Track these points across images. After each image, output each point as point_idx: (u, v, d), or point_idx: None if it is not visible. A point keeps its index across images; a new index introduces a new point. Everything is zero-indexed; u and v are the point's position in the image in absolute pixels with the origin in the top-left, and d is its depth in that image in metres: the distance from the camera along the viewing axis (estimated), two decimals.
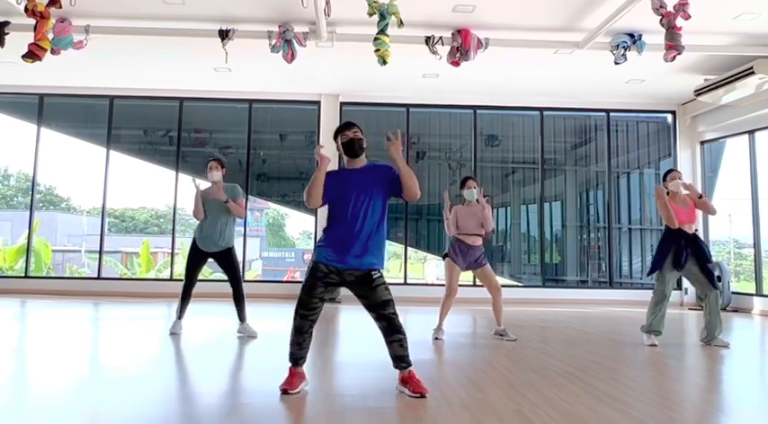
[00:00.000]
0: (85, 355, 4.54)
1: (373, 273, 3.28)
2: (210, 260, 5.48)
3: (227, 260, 5.39)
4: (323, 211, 9.45)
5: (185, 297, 5.42)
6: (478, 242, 5.39)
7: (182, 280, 5.47)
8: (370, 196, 3.29)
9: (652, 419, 2.88)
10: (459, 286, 5.59)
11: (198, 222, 5.41)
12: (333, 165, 9.84)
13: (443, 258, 5.68)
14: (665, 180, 5.50)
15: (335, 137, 3.42)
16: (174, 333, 5.35)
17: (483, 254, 5.44)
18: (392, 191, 3.35)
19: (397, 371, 3.35)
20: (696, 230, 5.37)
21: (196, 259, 5.41)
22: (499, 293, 5.43)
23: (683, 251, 5.20)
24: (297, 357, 3.34)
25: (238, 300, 5.39)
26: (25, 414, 2.87)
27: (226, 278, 5.49)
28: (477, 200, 5.47)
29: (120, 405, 3.00)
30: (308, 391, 3.34)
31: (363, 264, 3.27)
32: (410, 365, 3.33)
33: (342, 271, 3.27)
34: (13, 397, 3.22)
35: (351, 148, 3.35)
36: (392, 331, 3.29)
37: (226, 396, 3.26)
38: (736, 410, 3.20)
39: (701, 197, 5.41)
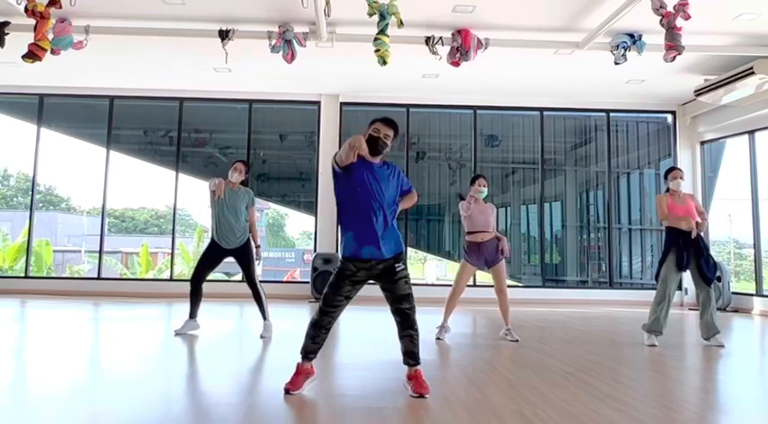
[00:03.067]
0: (86, 355, 4.54)
1: (396, 265, 3.32)
2: (229, 260, 5.49)
3: (243, 257, 5.39)
4: (323, 212, 9.47)
5: (195, 295, 5.41)
6: (488, 237, 5.38)
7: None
8: (385, 189, 3.34)
9: (652, 419, 2.88)
10: None
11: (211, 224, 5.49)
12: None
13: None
14: (666, 178, 5.51)
15: (371, 123, 3.41)
16: (180, 333, 5.32)
17: (498, 246, 5.38)
18: (400, 187, 3.50)
19: (405, 368, 3.38)
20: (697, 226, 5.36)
21: (213, 256, 5.41)
22: (504, 296, 5.40)
23: (683, 252, 5.20)
24: (308, 351, 3.35)
25: (255, 298, 5.41)
26: (25, 414, 2.87)
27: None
28: (484, 200, 5.51)
29: (120, 405, 3.00)
30: (312, 388, 3.33)
31: (384, 253, 3.29)
32: (418, 363, 3.35)
33: (369, 264, 3.28)
34: (13, 397, 3.22)
35: (374, 145, 3.33)
36: (406, 326, 3.33)
37: (226, 396, 3.26)
38: (735, 410, 3.21)
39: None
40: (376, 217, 3.28)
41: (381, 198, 3.31)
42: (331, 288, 3.31)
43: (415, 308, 3.36)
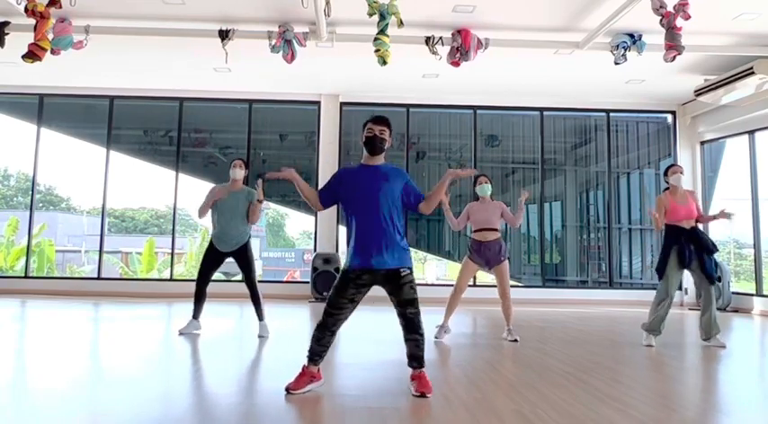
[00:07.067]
0: (86, 355, 4.54)
1: (402, 271, 3.28)
2: (229, 260, 5.50)
3: (243, 258, 5.40)
4: (323, 212, 9.45)
5: (199, 297, 5.44)
6: (491, 237, 5.38)
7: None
8: (381, 193, 3.29)
9: (652, 420, 2.88)
10: None
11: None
12: (333, 161, 9.66)
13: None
14: (665, 174, 5.49)
15: (363, 126, 3.40)
16: (184, 333, 5.35)
17: (501, 249, 5.38)
18: (403, 196, 3.36)
19: (409, 369, 3.39)
20: (697, 223, 5.36)
21: (212, 260, 5.44)
22: (506, 300, 5.40)
23: (685, 249, 5.19)
24: (313, 353, 3.34)
25: (254, 299, 5.42)
26: (25, 414, 2.87)
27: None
28: (491, 197, 5.53)
29: (120, 405, 3.00)
30: (319, 392, 3.33)
31: (385, 263, 3.26)
32: (422, 366, 3.34)
33: (372, 271, 3.27)
34: (13, 397, 3.22)
35: (371, 145, 3.35)
36: (410, 330, 3.32)
37: (226, 396, 3.26)
38: (735, 410, 3.21)
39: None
40: (373, 227, 3.26)
41: (378, 204, 3.26)
42: (335, 291, 3.31)
43: (420, 313, 3.33)
